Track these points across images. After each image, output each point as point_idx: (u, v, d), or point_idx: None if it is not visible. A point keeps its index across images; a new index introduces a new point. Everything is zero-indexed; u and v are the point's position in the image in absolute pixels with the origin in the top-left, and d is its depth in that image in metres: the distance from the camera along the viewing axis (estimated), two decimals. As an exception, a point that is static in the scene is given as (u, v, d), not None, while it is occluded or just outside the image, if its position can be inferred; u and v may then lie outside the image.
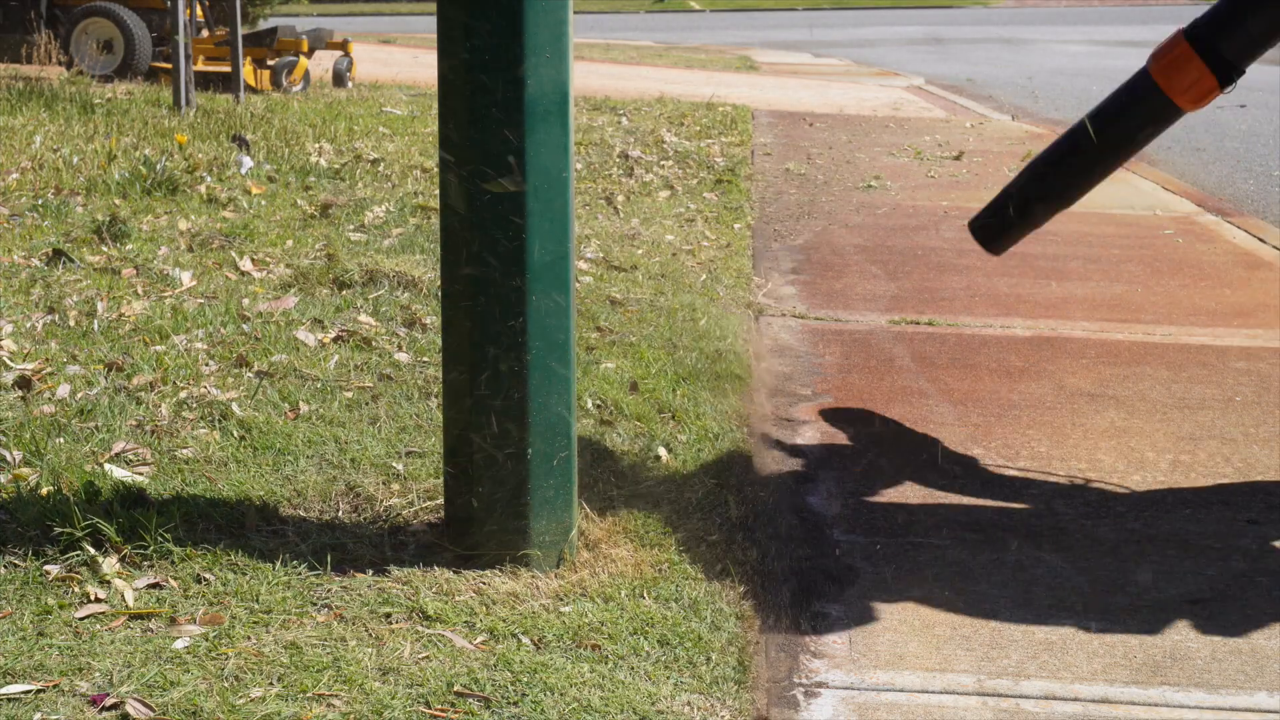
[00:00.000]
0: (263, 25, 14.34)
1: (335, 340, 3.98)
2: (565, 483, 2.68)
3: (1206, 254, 6.07)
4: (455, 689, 2.22)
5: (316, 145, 7.55)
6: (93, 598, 2.47)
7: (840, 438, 3.64)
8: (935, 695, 2.37)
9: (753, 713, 2.27)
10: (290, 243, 5.19)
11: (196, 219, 5.55)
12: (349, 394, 3.53)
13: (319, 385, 3.58)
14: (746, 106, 11.24)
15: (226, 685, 2.21)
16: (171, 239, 5.19)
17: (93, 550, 2.60)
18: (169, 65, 9.87)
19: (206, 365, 3.71)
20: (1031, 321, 4.82)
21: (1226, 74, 3.31)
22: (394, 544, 2.72)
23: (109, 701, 2.14)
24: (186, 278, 4.60)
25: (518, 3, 2.47)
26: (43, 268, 4.70)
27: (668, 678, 2.30)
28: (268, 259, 4.91)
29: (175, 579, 2.55)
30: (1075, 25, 29.90)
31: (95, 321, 4.06)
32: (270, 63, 11.16)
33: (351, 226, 5.54)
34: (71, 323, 4.06)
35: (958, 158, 8.86)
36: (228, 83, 10.29)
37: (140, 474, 2.98)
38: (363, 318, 4.19)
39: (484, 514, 2.63)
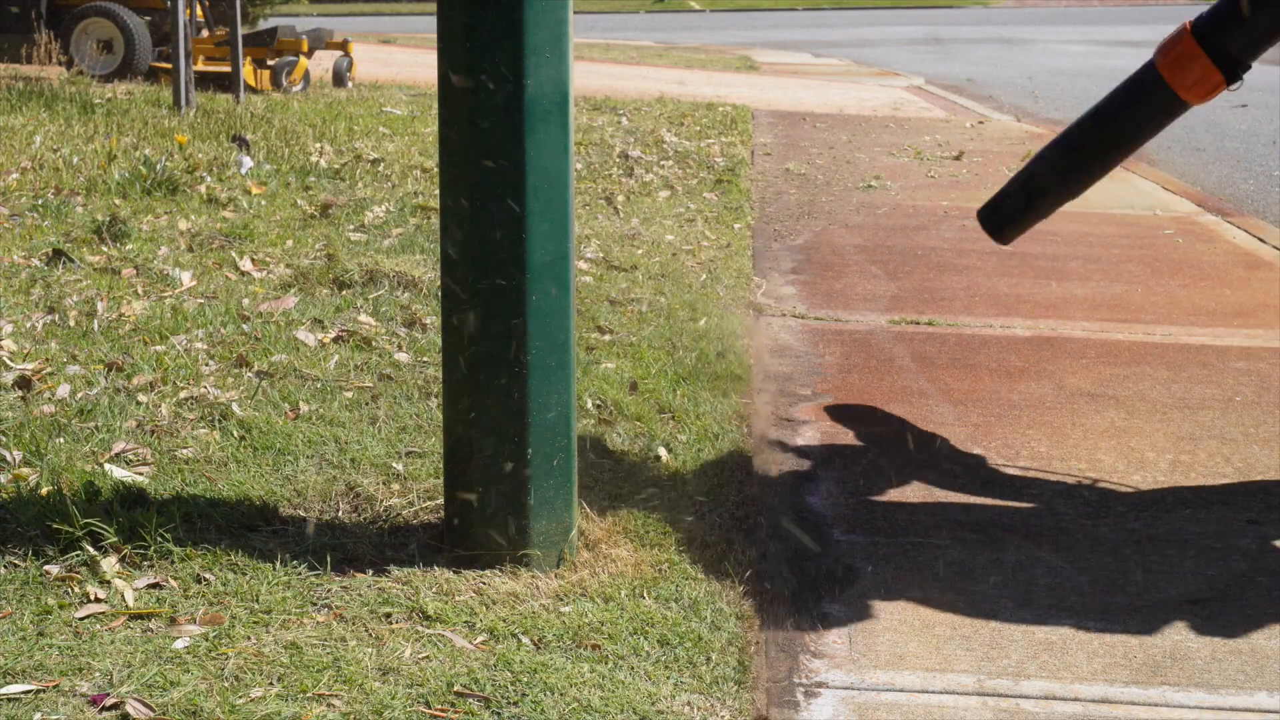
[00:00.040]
0: (263, 25, 14.35)
1: (335, 340, 3.98)
2: (565, 483, 2.68)
3: (1206, 254, 6.07)
4: (455, 689, 2.22)
5: (317, 145, 7.55)
6: (93, 598, 2.47)
7: (840, 438, 3.64)
8: (935, 695, 2.37)
9: (753, 713, 2.27)
10: (290, 243, 5.19)
11: (196, 219, 5.55)
12: (349, 394, 3.53)
13: (319, 385, 3.58)
14: (746, 106, 11.24)
15: (226, 685, 2.21)
16: (171, 239, 5.19)
17: (93, 550, 2.60)
18: (169, 65, 9.87)
19: (206, 365, 3.71)
20: (1031, 321, 4.82)
21: (1232, 70, 3.31)
22: (394, 544, 2.72)
23: (109, 701, 2.14)
24: (186, 278, 4.60)
25: (518, 3, 2.47)
26: (43, 268, 4.70)
27: (668, 678, 2.30)
28: (268, 259, 4.91)
29: (175, 579, 2.55)
30: (1075, 25, 29.91)
31: (95, 321, 4.06)
32: (270, 63, 11.16)
33: (351, 226, 5.54)
34: (71, 323, 4.06)
35: (958, 158, 8.86)
36: (228, 83, 10.30)
37: (140, 474, 2.98)
38: (363, 318, 4.19)
39: (484, 514, 2.63)
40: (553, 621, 2.45)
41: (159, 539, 2.64)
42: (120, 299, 4.31)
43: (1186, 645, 2.56)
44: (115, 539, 2.63)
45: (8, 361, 3.65)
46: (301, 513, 2.83)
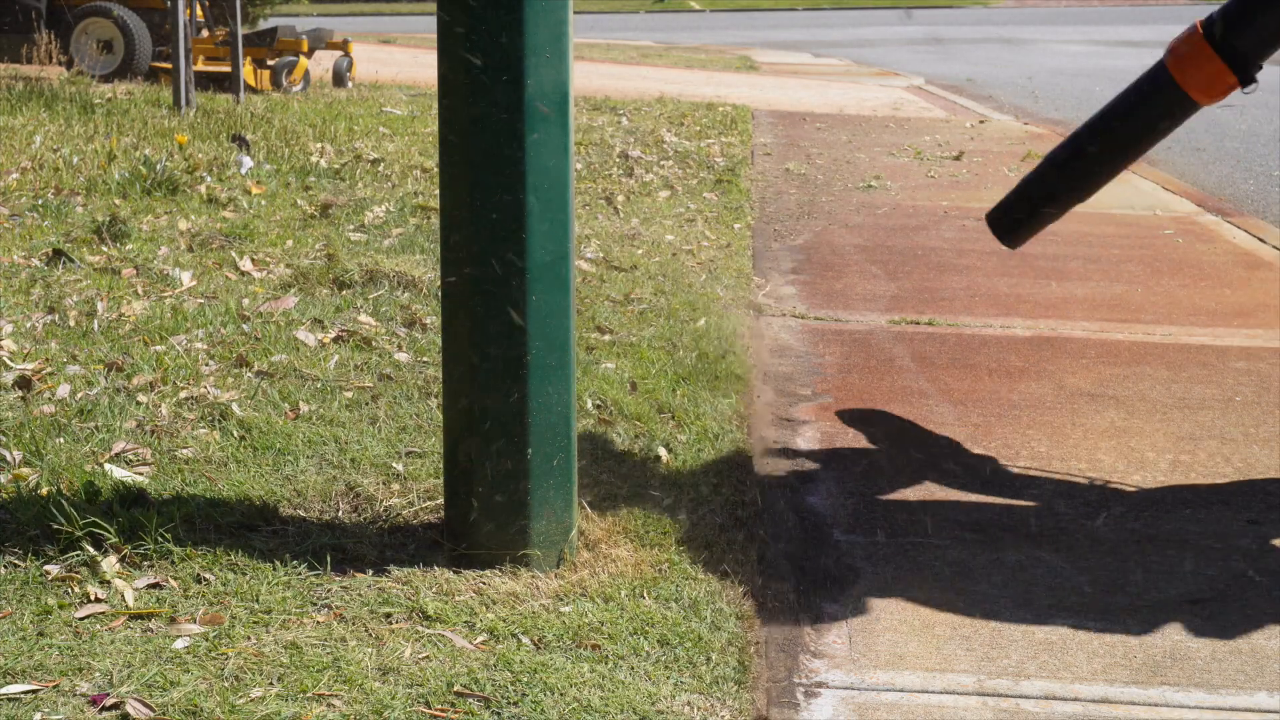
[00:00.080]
0: (263, 25, 14.34)
1: (335, 340, 3.98)
2: (565, 483, 2.68)
3: (1206, 254, 6.07)
4: (455, 689, 2.22)
5: (317, 145, 7.55)
6: (93, 598, 2.47)
7: (840, 438, 3.64)
8: (935, 695, 2.37)
9: (753, 713, 2.27)
10: (290, 243, 5.19)
11: (196, 219, 5.55)
12: (349, 394, 3.53)
13: (319, 385, 3.58)
14: (746, 106, 11.25)
15: (226, 685, 2.21)
16: (171, 239, 5.19)
17: (92, 550, 2.60)
18: (169, 65, 9.87)
19: (206, 365, 3.71)
20: (1031, 321, 4.82)
21: (1244, 70, 3.29)
22: (394, 544, 2.72)
23: (109, 701, 2.14)
24: (186, 278, 4.60)
25: (518, 3, 2.47)
26: (43, 268, 4.70)
27: (668, 678, 2.30)
28: (268, 259, 4.91)
29: (175, 579, 2.55)
30: (1075, 25, 29.90)
31: (95, 321, 4.06)
32: (270, 63, 11.16)
33: (351, 226, 5.54)
34: (71, 323, 4.06)
35: (958, 158, 8.86)
36: (228, 83, 10.30)
37: (140, 474, 2.98)
38: (363, 318, 4.19)
39: (484, 514, 2.63)
40: (553, 621, 2.45)
41: (159, 539, 2.64)
42: (120, 299, 4.31)
43: (1186, 645, 2.56)
44: (115, 539, 2.63)
45: (8, 361, 3.65)
46: (301, 513, 2.83)
